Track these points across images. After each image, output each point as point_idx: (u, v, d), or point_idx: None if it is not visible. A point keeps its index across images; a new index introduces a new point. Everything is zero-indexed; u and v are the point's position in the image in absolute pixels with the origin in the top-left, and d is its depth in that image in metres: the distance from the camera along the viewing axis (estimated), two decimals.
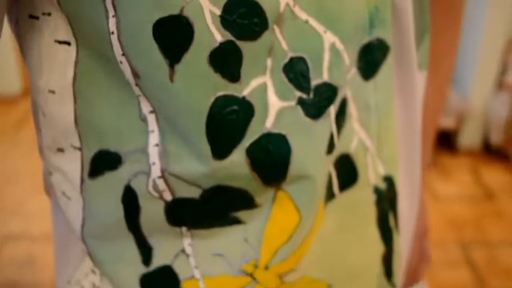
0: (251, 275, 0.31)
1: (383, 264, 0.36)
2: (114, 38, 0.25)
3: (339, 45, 0.28)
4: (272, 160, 0.28)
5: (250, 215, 0.30)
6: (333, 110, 0.30)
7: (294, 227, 0.30)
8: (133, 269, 0.31)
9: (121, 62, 0.26)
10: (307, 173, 0.29)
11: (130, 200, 0.30)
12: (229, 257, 0.31)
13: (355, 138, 0.32)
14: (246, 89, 0.27)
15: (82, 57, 0.27)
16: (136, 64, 0.25)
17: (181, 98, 0.26)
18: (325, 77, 0.28)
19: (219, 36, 0.25)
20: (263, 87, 0.27)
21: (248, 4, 0.25)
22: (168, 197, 0.29)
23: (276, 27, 0.26)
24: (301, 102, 0.28)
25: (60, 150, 0.31)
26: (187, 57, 0.25)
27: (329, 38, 0.28)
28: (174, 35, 0.24)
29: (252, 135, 0.27)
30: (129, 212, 0.30)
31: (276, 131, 0.28)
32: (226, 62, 0.25)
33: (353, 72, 0.30)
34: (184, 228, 0.30)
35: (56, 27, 0.27)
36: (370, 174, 0.34)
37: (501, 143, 1.95)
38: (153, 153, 0.28)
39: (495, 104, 1.93)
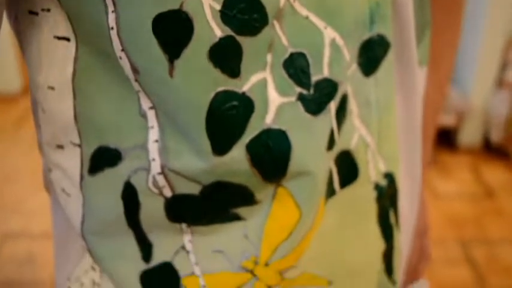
0: (251, 272, 0.31)
1: (383, 261, 0.36)
2: (113, 34, 0.25)
3: (339, 41, 0.28)
4: (272, 156, 0.28)
5: (250, 211, 0.30)
6: (333, 106, 0.29)
7: (294, 224, 0.30)
8: (133, 266, 0.31)
9: (120, 58, 0.26)
10: (308, 169, 0.29)
11: (130, 197, 0.30)
12: (230, 253, 0.31)
13: (356, 135, 0.32)
14: (246, 85, 0.26)
15: (81, 53, 0.27)
16: (136, 59, 0.25)
17: (181, 93, 0.26)
18: (326, 73, 0.28)
19: (218, 31, 0.25)
20: (263, 83, 0.27)
21: None
22: (168, 193, 0.29)
23: (276, 23, 0.26)
24: (301, 98, 0.28)
25: (60, 146, 0.31)
26: (187, 52, 0.25)
27: (329, 33, 0.28)
28: (173, 30, 0.24)
29: (252, 131, 0.27)
30: (129, 208, 0.30)
31: (276, 126, 0.28)
32: (226, 57, 0.25)
33: (353, 68, 0.30)
34: (184, 225, 0.30)
35: (55, 23, 0.27)
36: (371, 170, 0.34)
37: (501, 141, 1.95)
38: (153, 149, 0.28)
39: (495, 102, 1.93)
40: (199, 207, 0.29)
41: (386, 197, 0.35)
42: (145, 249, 0.31)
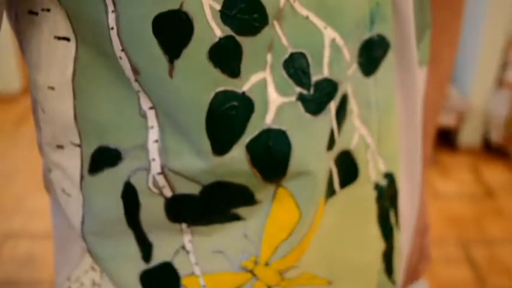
0: (251, 272, 0.31)
1: (383, 261, 0.36)
2: (113, 34, 0.25)
3: (339, 41, 0.28)
4: (272, 156, 0.28)
5: (250, 211, 0.30)
6: (333, 106, 0.29)
7: (294, 224, 0.30)
8: (133, 266, 0.31)
9: (120, 58, 0.26)
10: (308, 169, 0.29)
11: (130, 197, 0.30)
12: (230, 253, 0.31)
13: (356, 135, 0.32)
14: (246, 85, 0.26)
15: (81, 53, 0.27)
16: (136, 60, 0.25)
17: (181, 93, 0.26)
18: (326, 73, 0.28)
19: (218, 31, 0.25)
20: (263, 83, 0.27)
21: None
22: (168, 193, 0.29)
23: (276, 23, 0.26)
24: (301, 98, 0.28)
25: (60, 146, 0.31)
26: (187, 52, 0.25)
27: (329, 33, 0.28)
28: (173, 30, 0.24)
29: (252, 131, 0.27)
30: (129, 208, 0.30)
31: (276, 126, 0.28)
32: (226, 57, 0.25)
33: (354, 68, 0.30)
34: (184, 225, 0.30)
35: (55, 23, 0.27)
36: (371, 170, 0.34)
37: (501, 141, 1.95)
38: (153, 149, 0.28)
39: (495, 102, 1.93)
40: (199, 207, 0.29)
41: (387, 197, 0.35)
42: (145, 249, 0.31)
